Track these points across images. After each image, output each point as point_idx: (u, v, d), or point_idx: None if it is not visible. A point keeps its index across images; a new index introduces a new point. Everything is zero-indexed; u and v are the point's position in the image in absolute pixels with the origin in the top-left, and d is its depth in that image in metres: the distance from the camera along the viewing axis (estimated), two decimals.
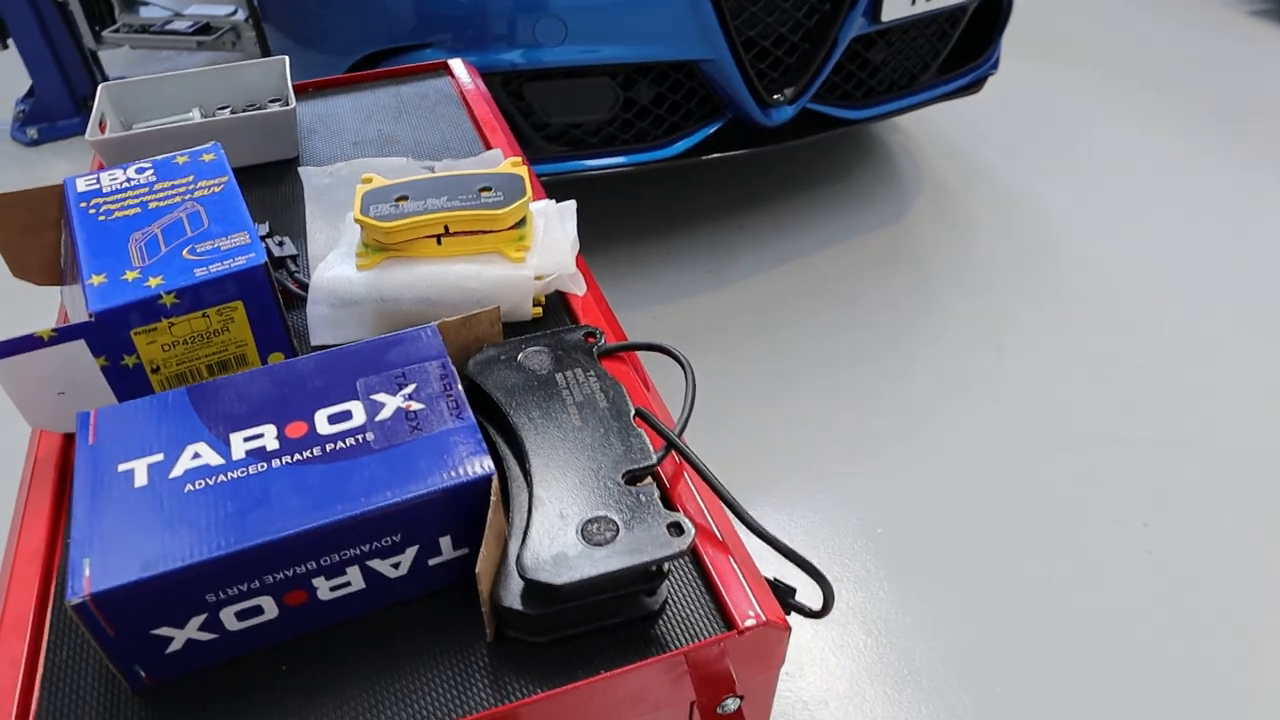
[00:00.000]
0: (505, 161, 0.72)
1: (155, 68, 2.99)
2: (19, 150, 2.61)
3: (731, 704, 0.56)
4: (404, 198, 0.68)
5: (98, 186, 0.66)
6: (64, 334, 0.56)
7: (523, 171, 0.70)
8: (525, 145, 1.77)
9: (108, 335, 0.58)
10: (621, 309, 1.93)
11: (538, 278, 0.67)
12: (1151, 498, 1.50)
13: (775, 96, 1.78)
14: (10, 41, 2.54)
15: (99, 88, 0.92)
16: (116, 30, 2.58)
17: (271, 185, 0.86)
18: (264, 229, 0.77)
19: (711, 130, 1.81)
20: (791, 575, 1.34)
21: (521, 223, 0.69)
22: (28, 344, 0.56)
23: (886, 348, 1.81)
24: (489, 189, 0.69)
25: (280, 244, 0.74)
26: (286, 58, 0.94)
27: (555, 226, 0.70)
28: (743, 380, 1.74)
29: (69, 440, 0.64)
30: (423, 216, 0.66)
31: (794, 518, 1.49)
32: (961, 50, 2.20)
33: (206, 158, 0.68)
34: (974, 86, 2.19)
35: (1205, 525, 1.46)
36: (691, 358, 1.80)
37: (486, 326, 0.61)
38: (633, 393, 0.62)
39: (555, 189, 2.24)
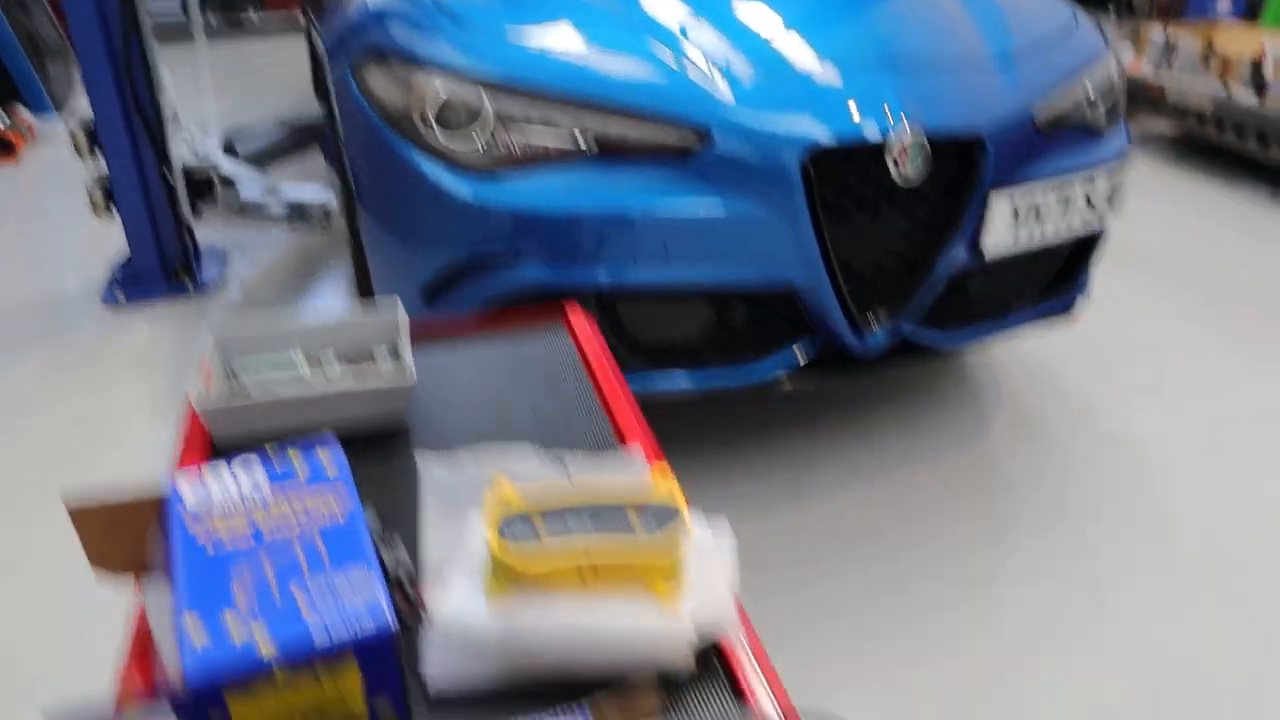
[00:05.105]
0: (652, 471, 0.64)
1: (246, 236, 3.06)
2: (105, 313, 2.64)
3: None
4: (542, 518, 0.60)
5: (207, 499, 0.58)
6: (152, 713, 0.47)
7: (675, 489, 0.62)
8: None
9: (201, 706, 0.49)
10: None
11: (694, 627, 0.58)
12: None
13: (870, 318, 1.73)
14: (114, 209, 2.62)
15: (208, 337, 0.87)
16: (215, 207, 2.65)
17: (377, 455, 0.79)
18: (372, 519, 0.69)
19: (802, 355, 1.75)
20: None
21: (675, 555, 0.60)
22: None
23: (970, 588, 1.68)
24: (638, 513, 0.60)
25: (395, 556, 0.65)
26: (402, 315, 0.89)
27: (711, 557, 0.61)
28: (817, 615, 1.61)
29: None
30: (565, 547, 0.58)
31: None
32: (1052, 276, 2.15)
33: (325, 461, 0.61)
34: (1067, 312, 2.13)
35: None
36: (763, 579, 1.69)
37: (642, 702, 0.51)
38: None
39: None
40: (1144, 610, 1.63)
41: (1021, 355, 2.45)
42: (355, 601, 0.51)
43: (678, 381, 1.72)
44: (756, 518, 1.85)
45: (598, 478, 0.71)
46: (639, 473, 0.73)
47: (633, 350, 1.73)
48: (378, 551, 0.66)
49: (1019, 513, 1.87)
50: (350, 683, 0.52)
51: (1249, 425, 2.16)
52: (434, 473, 0.71)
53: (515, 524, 0.60)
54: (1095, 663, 1.53)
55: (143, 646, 0.63)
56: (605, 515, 0.60)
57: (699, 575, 0.60)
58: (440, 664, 0.57)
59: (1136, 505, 1.90)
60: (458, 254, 1.65)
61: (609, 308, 1.67)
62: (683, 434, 2.10)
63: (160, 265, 2.69)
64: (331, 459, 0.61)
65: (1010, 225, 1.79)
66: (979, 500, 1.91)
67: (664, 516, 0.60)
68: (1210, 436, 2.12)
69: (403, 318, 0.89)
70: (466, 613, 0.57)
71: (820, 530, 1.82)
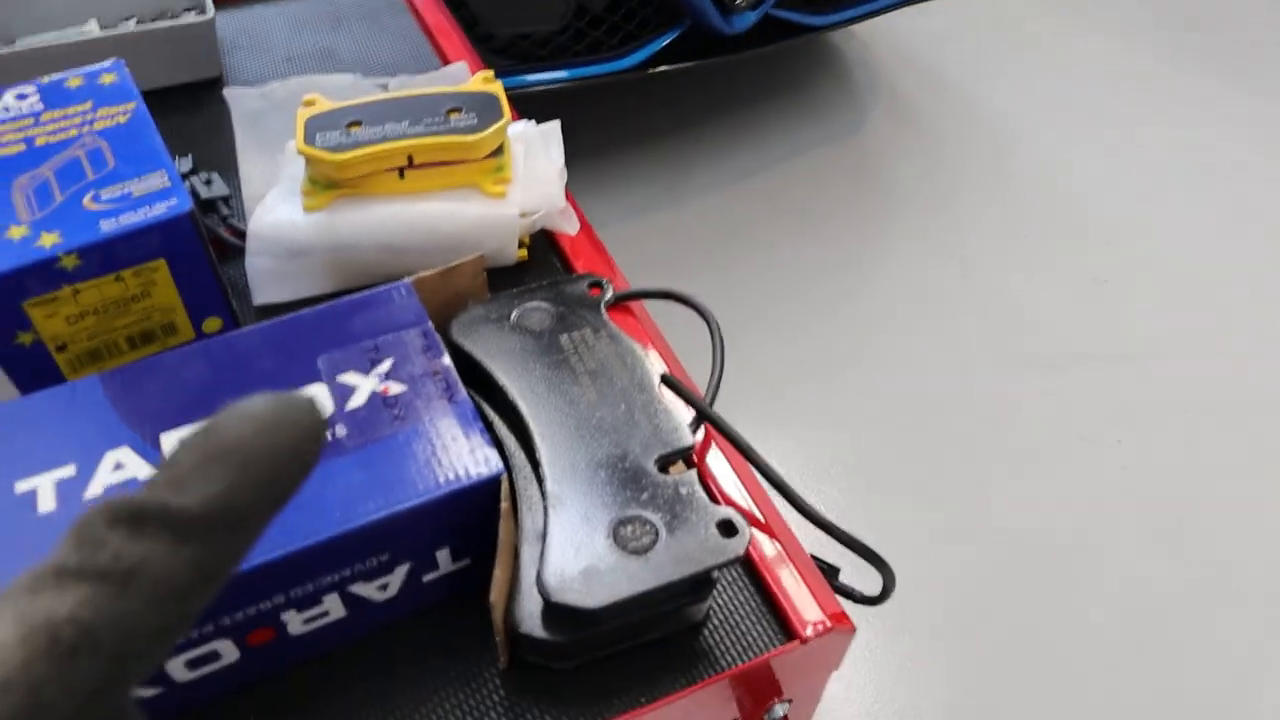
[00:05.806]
0: (475, 77, 0.61)
1: None
2: None
3: (779, 710, 0.49)
4: (357, 123, 0.57)
5: None
6: None
7: (497, 88, 0.59)
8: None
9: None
10: None
11: (522, 215, 0.57)
12: (1123, 414, 1.47)
13: (738, 1, 1.65)
14: None
15: None
16: None
17: (190, 111, 0.73)
18: (186, 164, 0.65)
19: (669, 39, 1.68)
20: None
21: (499, 150, 0.58)
22: None
23: (847, 265, 1.74)
24: (458, 110, 0.57)
25: (208, 182, 0.61)
26: None
27: (538, 153, 0.59)
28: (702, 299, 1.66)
29: None
30: (381, 145, 0.55)
31: (763, 443, 1.42)
32: None
33: (106, 79, 0.56)
34: None
35: (1177, 440, 1.43)
36: (646, 277, 1.71)
37: (469, 279, 0.51)
38: (652, 352, 0.53)
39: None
40: (1009, 274, 1.72)
41: (897, 42, 2.41)
42: (145, 192, 0.48)
43: (549, 74, 1.65)
44: (632, 221, 1.84)
45: (416, 86, 0.67)
46: (459, 79, 0.69)
47: (493, 49, 1.63)
48: (191, 187, 0.62)
49: (892, 195, 1.91)
50: (160, 281, 0.50)
51: (1115, 103, 2.21)
52: (244, 103, 0.66)
53: (326, 130, 0.56)
54: (962, 318, 1.63)
55: None
56: (423, 116, 0.57)
57: (525, 167, 0.59)
58: (261, 273, 0.55)
59: (1004, 180, 1.95)
60: None
61: (458, 0, 1.56)
62: None
63: None
64: (114, 75, 0.56)
65: None
66: (854, 186, 1.93)
67: (486, 113, 0.58)
68: (1078, 114, 2.16)
69: None
70: (283, 219, 0.55)
71: (698, 227, 1.83)
